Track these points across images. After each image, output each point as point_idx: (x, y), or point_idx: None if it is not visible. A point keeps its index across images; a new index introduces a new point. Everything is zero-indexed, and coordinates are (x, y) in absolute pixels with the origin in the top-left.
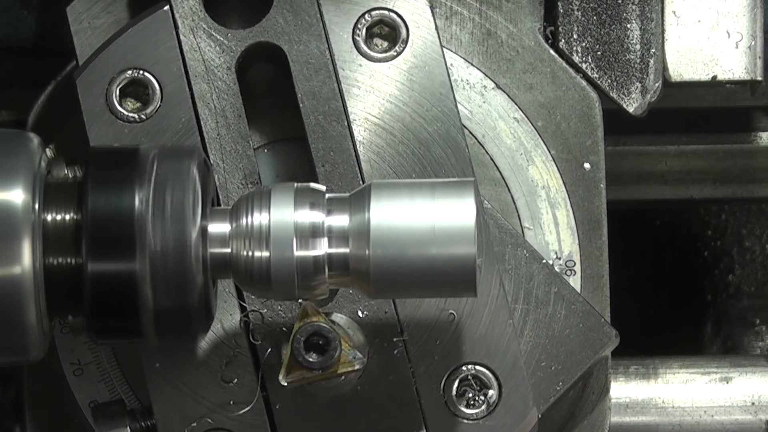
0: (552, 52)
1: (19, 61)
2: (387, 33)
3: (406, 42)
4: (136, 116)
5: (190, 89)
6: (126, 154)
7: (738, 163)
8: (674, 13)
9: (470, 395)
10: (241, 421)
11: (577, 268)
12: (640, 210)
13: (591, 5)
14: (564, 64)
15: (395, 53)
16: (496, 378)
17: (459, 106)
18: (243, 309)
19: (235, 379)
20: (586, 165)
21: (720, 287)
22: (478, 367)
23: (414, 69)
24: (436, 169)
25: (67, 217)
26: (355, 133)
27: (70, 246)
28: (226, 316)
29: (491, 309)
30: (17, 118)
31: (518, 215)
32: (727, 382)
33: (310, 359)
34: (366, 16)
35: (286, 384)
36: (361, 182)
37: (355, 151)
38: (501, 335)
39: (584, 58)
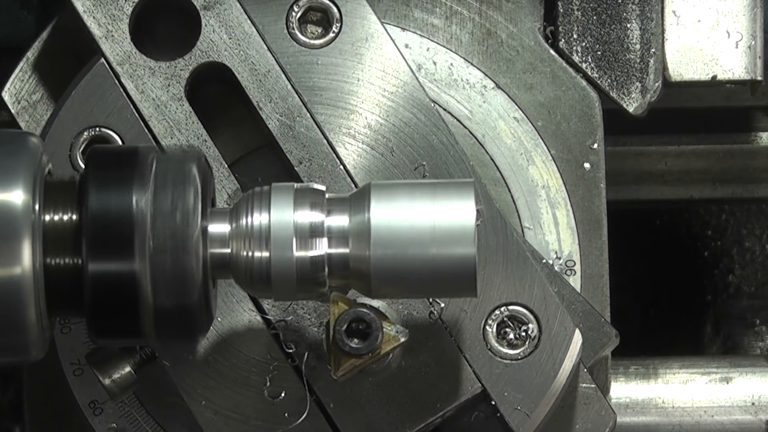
0: (552, 51)
1: (19, 61)
2: (320, 18)
3: (340, 21)
4: None
5: (150, 131)
6: (126, 155)
7: (738, 163)
8: (674, 12)
9: (511, 336)
10: (302, 430)
11: (577, 267)
12: (640, 210)
13: (591, 5)
14: (564, 64)
15: (333, 34)
16: (531, 311)
17: (459, 105)
18: (268, 323)
19: (282, 392)
20: (586, 165)
21: (720, 287)
22: (510, 307)
23: (358, 44)
24: (409, 131)
25: (67, 217)
26: (322, 122)
27: (70, 246)
28: (253, 334)
29: (504, 248)
30: None
31: (518, 215)
32: (727, 382)
33: (356, 345)
34: (294, 7)
35: (337, 378)
36: (341, 168)
37: (327, 139)
38: (522, 270)
39: (584, 58)
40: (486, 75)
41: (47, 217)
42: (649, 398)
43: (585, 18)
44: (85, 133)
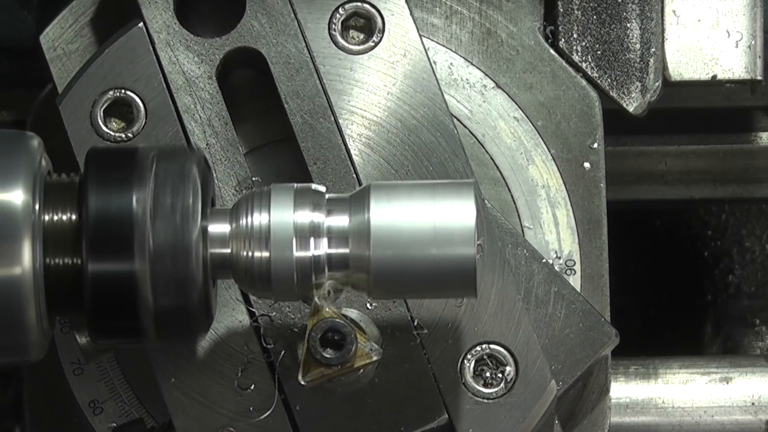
0: (552, 51)
1: (19, 61)
2: (363, 24)
3: (382, 31)
4: (123, 135)
5: (174, 103)
6: (126, 154)
7: (738, 163)
8: (674, 12)
9: (487, 374)
10: (263, 426)
11: (577, 267)
12: (640, 210)
13: (591, 4)
14: (564, 64)
15: (373, 44)
16: (511, 354)
17: (459, 105)
18: (252, 314)
19: (252, 386)
20: (586, 164)
21: (720, 287)
22: (492, 346)
23: (394, 57)
24: (427, 154)
25: (67, 217)
26: (343, 127)
27: (70, 246)
28: (235, 323)
29: (498, 287)
30: (17, 118)
31: (518, 214)
32: (727, 382)
33: (328, 355)
34: (340, 10)
35: (305, 383)
36: (354, 176)
37: (345, 145)
38: (511, 312)
39: (584, 58)
40: (486, 74)
41: (47, 217)
42: (649, 398)
43: (585, 17)
44: (110, 93)
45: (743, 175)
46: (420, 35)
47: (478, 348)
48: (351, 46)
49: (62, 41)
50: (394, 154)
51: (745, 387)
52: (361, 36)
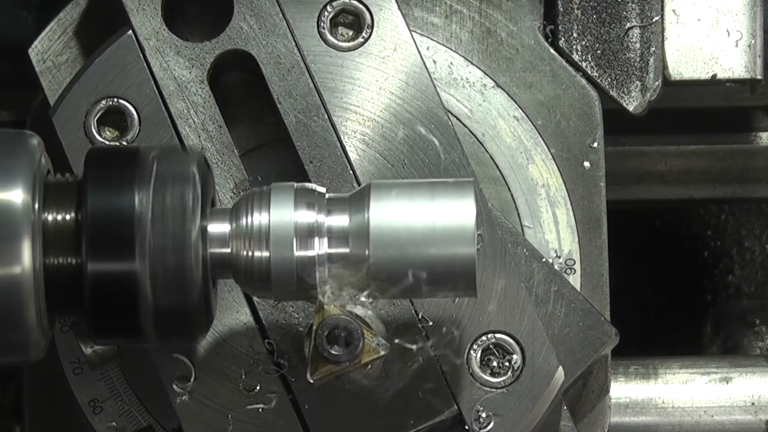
0: (552, 50)
1: (19, 61)
2: (351, 21)
3: (371, 27)
4: (118, 144)
5: (167, 109)
6: (126, 154)
7: (738, 163)
8: (674, 11)
9: (494, 364)
10: (273, 427)
11: (577, 266)
12: (640, 210)
13: (591, 4)
14: (564, 63)
15: (363, 39)
16: (517, 342)
17: (459, 104)
18: (255, 315)
19: (258, 387)
20: (586, 163)
21: (720, 287)
22: (497, 335)
23: (384, 52)
24: (423, 146)
25: (67, 217)
26: (337, 125)
27: (70, 246)
28: (239, 325)
29: (501, 276)
30: (17, 118)
31: (518, 214)
32: (727, 382)
33: (335, 352)
34: (327, 7)
35: (313, 381)
36: (351, 173)
37: (341, 142)
38: (515, 300)
39: (584, 57)
40: (486, 74)
41: (47, 217)
42: (649, 398)
43: (585, 17)
44: (103, 102)
45: (743, 175)
46: (410, 29)
47: (484, 338)
48: (341, 43)
49: (51, 53)
50: (389, 149)
51: (745, 387)
52: (351, 32)
